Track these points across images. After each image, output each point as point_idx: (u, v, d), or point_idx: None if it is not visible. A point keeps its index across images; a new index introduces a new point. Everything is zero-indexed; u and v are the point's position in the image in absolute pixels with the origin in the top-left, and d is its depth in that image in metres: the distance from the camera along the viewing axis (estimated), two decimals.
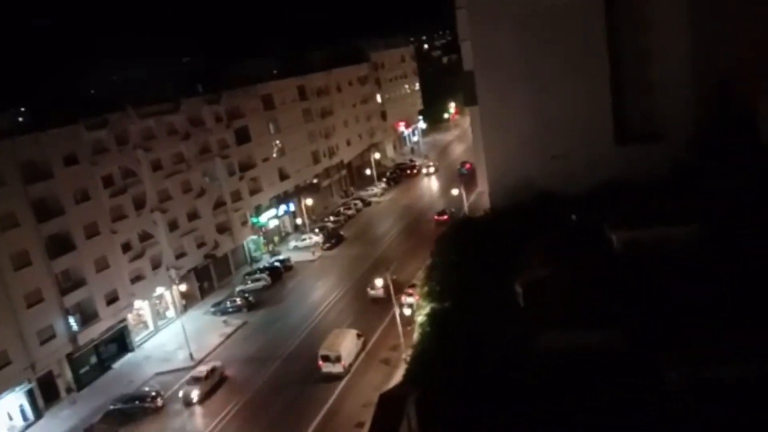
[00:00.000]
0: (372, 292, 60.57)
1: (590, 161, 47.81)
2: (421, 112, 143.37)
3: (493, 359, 32.06)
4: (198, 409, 49.19)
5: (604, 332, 29.93)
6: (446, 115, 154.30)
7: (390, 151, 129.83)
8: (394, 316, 51.18)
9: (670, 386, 26.42)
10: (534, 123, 51.12)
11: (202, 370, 52.01)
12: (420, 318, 44.10)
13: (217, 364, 53.46)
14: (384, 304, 56.38)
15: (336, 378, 48.19)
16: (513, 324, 34.87)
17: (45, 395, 52.30)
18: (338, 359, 48.09)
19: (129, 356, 60.19)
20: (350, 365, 49.20)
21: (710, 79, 45.71)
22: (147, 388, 52.55)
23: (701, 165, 41.96)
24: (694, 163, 42.91)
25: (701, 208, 38.25)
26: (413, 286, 55.07)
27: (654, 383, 26.51)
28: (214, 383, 51.39)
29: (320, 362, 48.70)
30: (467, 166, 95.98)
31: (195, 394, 49.53)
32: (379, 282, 57.78)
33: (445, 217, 77.76)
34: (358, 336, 51.95)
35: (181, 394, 50.31)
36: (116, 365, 58.80)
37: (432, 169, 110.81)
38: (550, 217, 44.47)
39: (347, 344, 49.49)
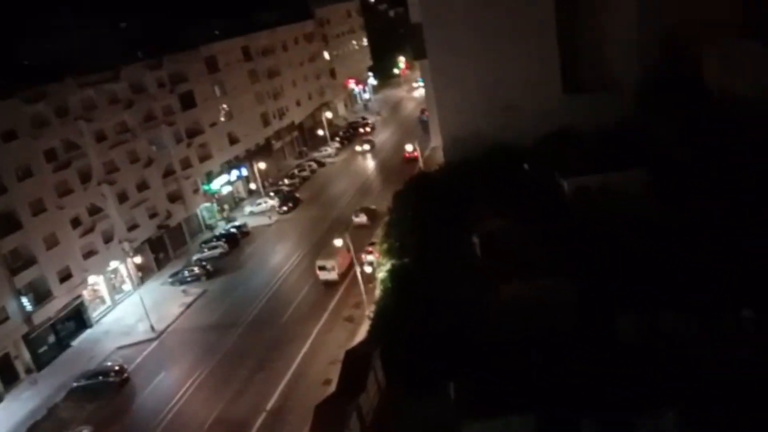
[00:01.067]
0: (323, 275, 57.44)
1: (540, 111, 48.28)
2: (370, 69, 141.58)
3: (451, 311, 32.74)
4: (165, 379, 49.03)
5: (556, 281, 30.78)
6: (396, 71, 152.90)
7: (342, 110, 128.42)
8: (354, 275, 51.62)
9: (622, 334, 27.48)
10: (484, 75, 51.10)
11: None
12: (381, 275, 44.52)
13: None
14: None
15: (301, 342, 48.79)
16: (471, 276, 35.55)
17: (3, 378, 51.28)
18: (333, 268, 56.28)
19: (88, 332, 59.25)
20: (343, 274, 56.34)
21: (656, 32, 46.46)
22: (110, 363, 52.03)
23: (647, 113, 42.94)
24: (641, 111, 43.87)
25: (646, 154, 39.33)
26: (373, 243, 55.43)
27: (607, 331, 27.49)
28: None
29: (317, 271, 56.76)
30: (427, 113, 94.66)
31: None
32: (329, 263, 56.67)
33: (416, 153, 77.63)
34: (348, 249, 56.01)
35: None
36: (75, 342, 57.86)
37: (367, 147, 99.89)
38: (504, 168, 45.05)
39: (340, 257, 56.65)
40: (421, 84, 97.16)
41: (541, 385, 25.12)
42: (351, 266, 55.61)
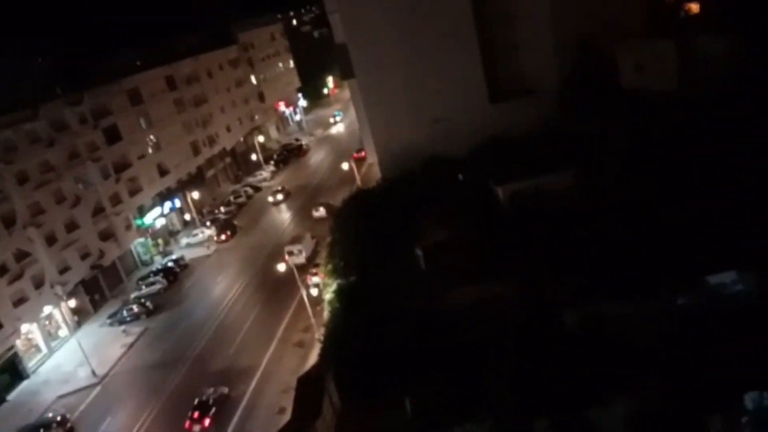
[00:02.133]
0: (293, 259, 60.33)
1: (469, 121, 49.63)
2: (299, 90, 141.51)
3: (400, 325, 32.96)
4: (112, 425, 47.04)
5: (499, 285, 31.54)
6: (326, 90, 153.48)
7: (274, 133, 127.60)
8: (301, 299, 51.14)
9: (568, 325, 28.36)
10: (412, 90, 52.09)
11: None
12: (328, 296, 44.35)
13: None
14: (290, 288, 56.06)
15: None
16: (417, 288, 35.97)
17: None
18: (300, 252, 61.49)
19: (25, 384, 56.19)
20: (308, 258, 60.78)
21: (570, 37, 48.68)
22: (51, 414, 49.44)
23: (569, 115, 44.81)
24: (563, 115, 45.75)
25: (573, 154, 41.03)
26: (317, 265, 55.14)
27: (553, 328, 28.31)
28: None
29: (286, 257, 59.60)
30: (362, 154, 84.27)
31: None
32: (296, 248, 62.30)
33: (363, 153, 77.48)
34: (312, 237, 63.49)
35: None
36: (11, 396, 54.70)
37: (280, 197, 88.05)
38: (440, 180, 45.91)
39: (305, 242, 62.61)
40: (339, 118, 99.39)
41: (494, 389, 25.59)
42: (316, 252, 62.39)
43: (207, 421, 42.02)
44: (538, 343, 27.28)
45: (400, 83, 52.22)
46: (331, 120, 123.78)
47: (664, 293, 27.98)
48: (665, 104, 39.24)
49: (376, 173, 60.95)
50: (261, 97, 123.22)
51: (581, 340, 27.02)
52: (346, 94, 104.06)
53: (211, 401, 43.51)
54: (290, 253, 61.48)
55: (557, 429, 23.90)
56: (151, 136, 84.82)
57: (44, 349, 60.10)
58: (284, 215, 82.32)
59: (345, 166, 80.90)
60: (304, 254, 61.57)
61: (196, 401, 43.64)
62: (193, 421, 42.47)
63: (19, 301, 58.30)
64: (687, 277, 28.17)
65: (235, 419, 43.37)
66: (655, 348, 25.55)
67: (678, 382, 23.56)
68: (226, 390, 45.27)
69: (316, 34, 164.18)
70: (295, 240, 64.25)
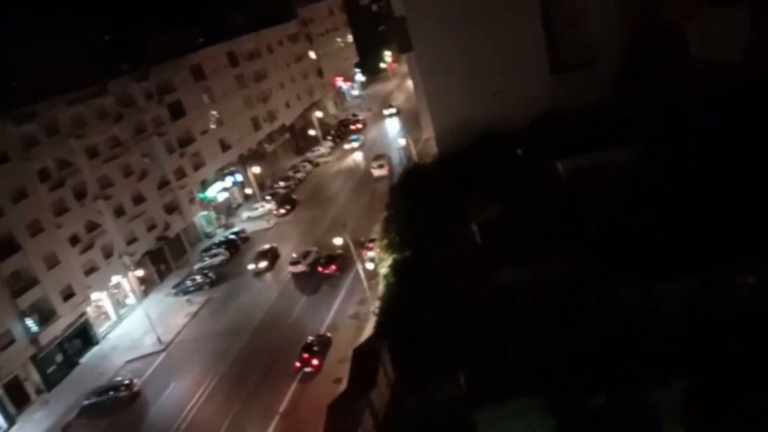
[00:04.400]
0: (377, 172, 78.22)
1: (528, 94, 48.40)
2: (357, 65, 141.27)
3: (455, 300, 32.87)
4: (176, 390, 49.10)
5: (555, 261, 30.93)
6: (383, 65, 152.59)
7: (332, 108, 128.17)
8: (357, 272, 51.70)
9: (625, 304, 27.59)
10: (471, 62, 51.12)
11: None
12: (383, 270, 44.63)
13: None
14: (347, 261, 56.73)
15: None
16: (472, 263, 35.71)
17: (14, 400, 51.24)
18: (382, 166, 77.37)
19: (95, 349, 59.26)
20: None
21: (636, 5, 46.59)
22: (119, 378, 52.09)
23: (632, 89, 43.07)
24: (626, 87, 44.00)
25: (634, 131, 39.46)
26: (372, 240, 55.48)
27: (608, 307, 27.62)
28: None
29: (372, 170, 77.87)
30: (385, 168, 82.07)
31: None
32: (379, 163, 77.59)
33: (385, 169, 77.19)
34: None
35: None
36: (83, 360, 57.86)
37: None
38: (497, 154, 45.15)
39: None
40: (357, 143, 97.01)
41: (547, 366, 25.27)
42: (391, 173, 74.24)
43: (315, 361, 45.41)
44: (594, 322, 26.71)
45: (459, 56, 51.31)
46: (385, 111, 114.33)
47: (729, 273, 26.81)
48: (733, 76, 37.14)
49: (433, 148, 60.45)
50: (319, 73, 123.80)
51: (638, 319, 26.26)
52: (404, 68, 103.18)
53: (316, 344, 46.57)
54: (380, 166, 77.24)
55: (612, 408, 23.45)
56: (214, 112, 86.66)
57: (113, 317, 63.08)
58: (342, 188, 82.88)
59: (402, 141, 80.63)
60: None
61: (302, 345, 46.67)
62: (303, 362, 45.50)
63: (90, 270, 61.20)
64: (751, 258, 26.88)
65: (292, 387, 44.56)
66: (714, 329, 24.60)
67: (738, 365, 22.66)
68: (329, 335, 48.52)
69: (374, 8, 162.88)
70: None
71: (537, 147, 43.95)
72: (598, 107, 43.84)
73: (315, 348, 46.21)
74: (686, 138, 35.43)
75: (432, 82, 53.55)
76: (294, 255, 62.36)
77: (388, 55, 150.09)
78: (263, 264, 64.55)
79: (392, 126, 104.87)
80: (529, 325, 27.50)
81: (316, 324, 51.28)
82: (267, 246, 67.86)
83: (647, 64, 43.47)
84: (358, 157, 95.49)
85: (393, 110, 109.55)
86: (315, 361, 45.39)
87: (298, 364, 45.50)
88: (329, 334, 48.56)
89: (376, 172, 78.51)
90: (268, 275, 64.18)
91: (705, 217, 29.97)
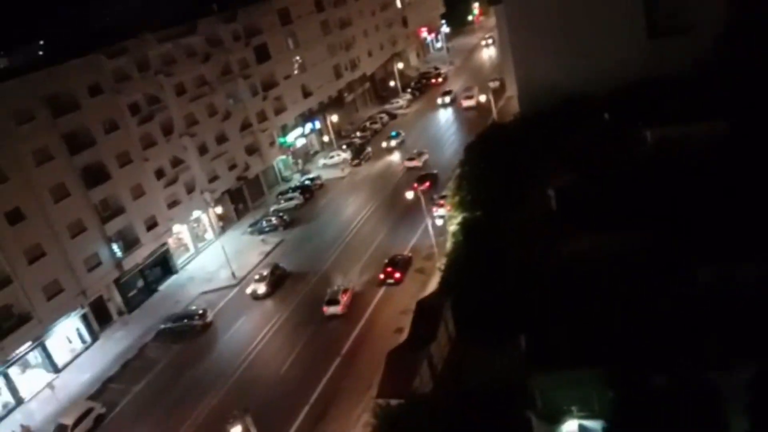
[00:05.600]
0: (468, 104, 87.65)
1: (622, 57, 45.95)
2: (443, 16, 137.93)
3: (523, 264, 32.43)
4: (245, 324, 51.38)
5: (632, 232, 29.85)
6: (470, 18, 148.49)
7: (414, 60, 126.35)
8: (425, 228, 51.82)
9: (702, 283, 26.45)
10: (563, 20, 48.90)
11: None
12: (452, 227, 44.48)
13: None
14: (416, 215, 56.89)
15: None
16: (544, 229, 34.96)
17: (98, 319, 55.21)
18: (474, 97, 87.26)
19: (173, 278, 62.59)
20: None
21: None
22: (194, 307, 54.97)
23: (733, 58, 40.09)
24: (726, 56, 40.96)
25: (731, 104, 36.90)
26: (444, 197, 55.22)
27: (684, 284, 26.55)
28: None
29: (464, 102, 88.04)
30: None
31: None
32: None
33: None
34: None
35: None
36: (162, 287, 61.32)
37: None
38: (582, 118, 43.44)
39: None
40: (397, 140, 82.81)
41: (612, 338, 24.73)
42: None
43: (398, 274, 50.70)
44: (666, 298, 25.79)
45: (551, 13, 49.13)
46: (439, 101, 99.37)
47: None
48: None
49: (514, 107, 58.87)
50: (404, 22, 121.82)
51: (712, 299, 25.12)
52: (491, 22, 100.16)
53: (399, 260, 51.88)
54: (469, 98, 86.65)
55: (675, 387, 22.81)
56: (297, 57, 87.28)
57: (192, 249, 66.20)
58: (416, 143, 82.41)
59: (483, 98, 78.91)
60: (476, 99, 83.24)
61: (387, 260, 52.26)
62: (387, 274, 50.86)
63: (173, 204, 64.16)
64: None
65: (355, 332, 45.79)
66: None
67: None
68: (410, 255, 53.26)
69: None
70: (469, 89, 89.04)
71: (625, 113, 41.94)
72: (694, 76, 41.17)
73: (398, 263, 51.18)
74: None
75: (519, 39, 51.63)
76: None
77: (476, 7, 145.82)
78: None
79: (475, 80, 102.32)
80: (598, 296, 26.85)
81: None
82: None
83: (747, 34, 40.27)
84: (439, 110, 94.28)
85: (447, 99, 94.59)
86: (397, 274, 50.42)
87: (381, 276, 50.85)
88: (410, 255, 53.21)
89: (465, 103, 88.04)
90: (345, 214, 65.42)
91: None
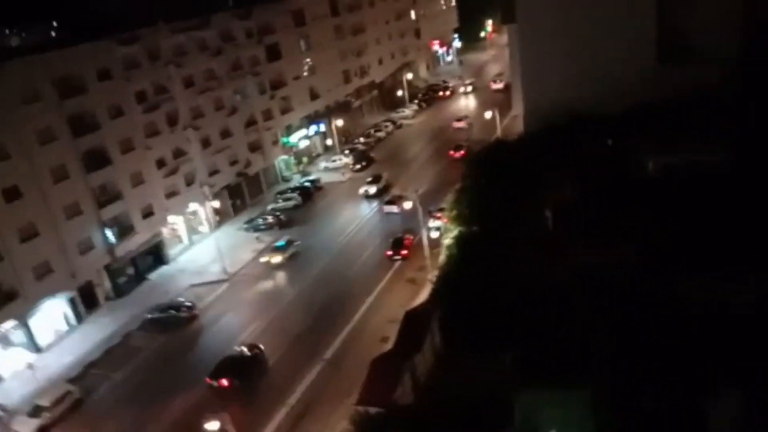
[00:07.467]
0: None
1: (631, 80, 45.96)
2: (456, 30, 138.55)
3: (515, 281, 32.28)
4: (231, 320, 51.05)
5: (623, 251, 29.82)
6: (483, 34, 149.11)
7: (423, 71, 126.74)
8: (420, 239, 51.68)
9: (692, 301, 26.36)
10: (573, 41, 48.97)
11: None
12: (447, 240, 44.32)
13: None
14: (411, 227, 56.75)
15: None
16: (540, 247, 34.87)
17: (86, 303, 54.92)
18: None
19: (164, 268, 62.36)
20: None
21: None
22: (182, 299, 54.68)
23: (745, 88, 40.13)
24: (738, 85, 41.00)
25: (737, 133, 36.92)
26: (441, 209, 55.09)
27: (668, 296, 26.53)
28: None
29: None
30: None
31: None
32: None
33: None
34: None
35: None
36: (152, 276, 61.08)
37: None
38: (585, 140, 43.45)
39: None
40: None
41: (600, 357, 24.52)
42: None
43: (404, 251, 54.70)
44: (655, 318, 25.67)
45: (563, 33, 49.20)
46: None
47: None
48: None
49: (519, 126, 58.91)
50: (417, 34, 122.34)
51: (703, 321, 24.97)
52: (503, 39, 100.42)
53: (405, 238, 55.69)
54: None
55: (660, 412, 22.56)
56: (308, 59, 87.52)
57: (185, 241, 66.03)
58: (419, 154, 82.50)
59: (488, 114, 78.99)
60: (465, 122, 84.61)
61: (392, 240, 56.26)
62: (394, 251, 54.99)
63: (171, 194, 64.09)
64: None
65: (341, 338, 45.52)
66: None
67: None
68: (413, 236, 56.02)
69: None
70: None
71: (629, 138, 41.93)
72: (703, 102, 41.15)
73: (405, 242, 55.23)
74: None
75: (530, 57, 51.68)
76: None
77: (489, 24, 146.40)
78: None
79: (481, 97, 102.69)
80: (587, 315, 26.71)
81: (372, 283, 51.84)
82: None
83: (762, 63, 40.32)
84: (444, 122, 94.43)
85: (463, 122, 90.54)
86: (404, 251, 54.36)
87: (389, 252, 55.08)
88: (413, 236, 55.83)
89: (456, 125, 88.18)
90: (341, 219, 65.22)
91: None
